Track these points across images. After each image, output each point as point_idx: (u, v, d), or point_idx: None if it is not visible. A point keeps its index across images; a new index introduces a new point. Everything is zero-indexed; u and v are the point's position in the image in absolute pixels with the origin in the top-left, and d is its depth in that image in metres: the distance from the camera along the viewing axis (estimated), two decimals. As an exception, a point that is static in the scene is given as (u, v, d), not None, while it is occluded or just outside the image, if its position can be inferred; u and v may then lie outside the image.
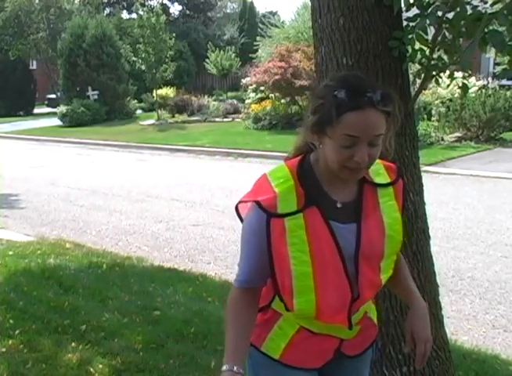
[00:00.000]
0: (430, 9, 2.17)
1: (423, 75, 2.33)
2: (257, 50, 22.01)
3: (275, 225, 1.48)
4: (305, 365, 1.63)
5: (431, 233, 2.56)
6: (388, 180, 1.60)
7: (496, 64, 16.59)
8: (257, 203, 1.48)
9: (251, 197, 1.53)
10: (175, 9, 49.91)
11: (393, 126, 1.47)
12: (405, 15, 2.30)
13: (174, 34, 21.30)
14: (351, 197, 1.55)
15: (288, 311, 1.57)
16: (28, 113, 28.03)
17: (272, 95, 17.13)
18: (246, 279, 1.57)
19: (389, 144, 1.50)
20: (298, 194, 1.49)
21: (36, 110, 29.05)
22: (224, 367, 1.47)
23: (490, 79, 15.74)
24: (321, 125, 1.44)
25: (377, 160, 1.54)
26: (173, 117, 20.82)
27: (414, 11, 2.22)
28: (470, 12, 2.12)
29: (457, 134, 12.90)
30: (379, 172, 1.60)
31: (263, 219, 1.48)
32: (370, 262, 1.55)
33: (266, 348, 1.64)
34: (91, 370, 3.22)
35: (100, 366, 3.27)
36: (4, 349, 3.50)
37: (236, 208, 1.63)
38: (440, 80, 2.41)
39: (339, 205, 1.53)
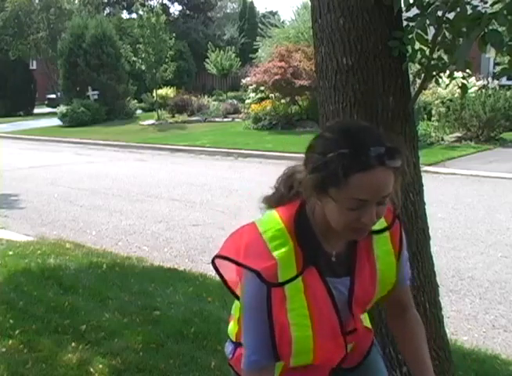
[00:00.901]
0: (430, 9, 2.17)
1: (423, 75, 2.33)
2: (257, 50, 22.00)
3: (276, 295, 1.39)
4: None
5: (431, 233, 2.56)
6: (384, 225, 1.49)
7: (496, 64, 16.59)
8: (258, 274, 1.36)
9: (244, 259, 1.40)
10: (175, 9, 49.93)
11: (401, 179, 1.35)
12: (405, 15, 2.30)
13: (174, 34, 21.30)
14: (346, 248, 1.47)
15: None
16: (28, 113, 28.04)
17: (272, 95, 17.13)
18: (258, 358, 1.43)
19: (396, 197, 1.37)
20: (297, 257, 1.39)
21: (36, 110, 29.05)
22: None
23: (490, 79, 15.73)
24: (324, 186, 1.30)
25: None
26: (173, 117, 20.82)
27: (414, 11, 2.22)
28: (470, 12, 2.12)
29: (457, 134, 12.90)
30: None
31: (263, 290, 1.38)
32: (362, 307, 1.52)
33: None
34: (91, 370, 3.22)
35: (100, 366, 3.27)
36: (4, 349, 3.50)
37: (213, 261, 1.54)
38: (440, 80, 2.41)
39: (333, 259, 1.45)
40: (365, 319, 1.67)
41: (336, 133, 1.34)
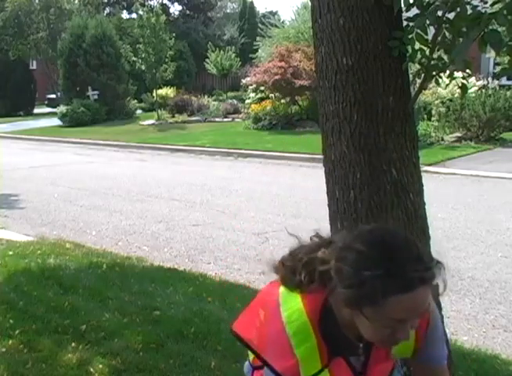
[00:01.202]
0: (430, 9, 2.17)
1: (422, 75, 2.33)
2: (257, 50, 22.02)
3: None
4: None
5: (431, 233, 2.55)
6: None
7: (496, 64, 16.59)
8: (277, 373, 1.32)
9: (264, 352, 1.35)
10: (175, 9, 49.89)
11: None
12: (405, 15, 2.30)
13: (174, 34, 21.32)
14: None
15: None
16: (28, 113, 28.04)
17: (272, 95, 17.13)
18: None
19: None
20: (321, 352, 1.32)
21: (36, 110, 29.06)
22: None
23: (490, 79, 15.74)
24: (358, 304, 1.22)
25: None
26: (173, 117, 20.82)
27: (414, 11, 2.21)
28: (470, 12, 2.11)
29: (457, 134, 12.90)
30: None
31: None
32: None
33: None
34: (91, 370, 3.22)
35: (100, 366, 3.27)
36: (4, 349, 3.50)
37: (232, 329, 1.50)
38: (440, 80, 2.41)
39: (360, 351, 1.39)
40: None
41: (369, 247, 1.24)
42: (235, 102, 21.26)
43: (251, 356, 1.57)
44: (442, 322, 2.63)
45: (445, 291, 1.30)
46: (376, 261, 1.20)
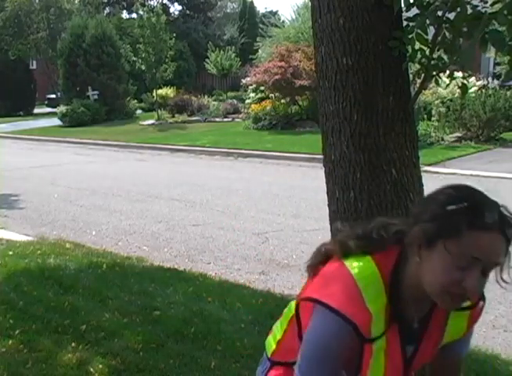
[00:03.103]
0: (430, 9, 2.17)
1: (423, 75, 2.33)
2: (257, 50, 22.03)
3: (367, 351, 1.31)
4: None
5: (431, 233, 2.55)
6: (469, 303, 1.40)
7: (496, 64, 16.59)
8: (354, 326, 1.27)
9: (335, 303, 1.28)
10: (175, 8, 49.97)
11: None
12: (405, 15, 2.30)
13: (174, 34, 21.31)
14: (420, 315, 1.39)
15: None
16: (28, 113, 28.07)
17: (272, 95, 17.13)
18: None
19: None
20: (387, 314, 1.31)
21: (36, 110, 29.08)
22: None
23: (490, 79, 15.75)
24: (437, 237, 1.24)
25: None
26: (173, 117, 20.83)
27: (414, 11, 2.21)
28: (470, 11, 2.11)
29: (457, 134, 12.90)
30: None
31: (355, 343, 1.29)
32: (414, 369, 1.47)
33: None
34: (91, 370, 3.22)
35: (100, 366, 3.27)
36: (4, 349, 3.50)
37: (298, 304, 1.42)
38: (440, 80, 2.41)
39: (416, 325, 1.38)
40: None
41: (457, 190, 1.30)
42: (235, 102, 21.26)
43: (271, 349, 1.55)
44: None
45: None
46: (463, 198, 1.25)
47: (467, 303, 1.38)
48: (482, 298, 1.45)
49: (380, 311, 1.29)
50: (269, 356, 1.55)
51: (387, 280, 1.31)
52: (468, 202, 1.25)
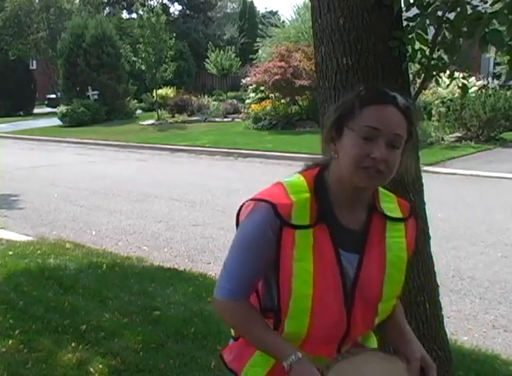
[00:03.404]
0: (430, 9, 2.17)
1: (423, 75, 2.33)
2: (257, 50, 22.02)
3: (287, 236, 1.39)
4: None
5: (431, 233, 2.55)
6: (399, 215, 1.51)
7: (496, 64, 16.59)
8: (273, 206, 1.39)
9: (261, 195, 1.44)
10: (175, 8, 50.00)
11: (412, 144, 1.43)
12: (405, 15, 2.30)
13: (174, 34, 21.31)
14: (358, 225, 1.47)
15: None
16: (28, 113, 28.05)
17: (272, 95, 17.13)
18: (238, 289, 1.45)
19: (409, 163, 1.46)
20: (312, 209, 1.41)
21: (36, 110, 29.06)
22: (292, 357, 1.36)
23: (490, 79, 15.74)
24: (341, 122, 1.41)
25: (391, 194, 1.53)
26: (173, 117, 20.82)
27: (414, 11, 2.21)
28: (470, 11, 2.11)
29: (457, 134, 12.91)
30: (390, 205, 1.52)
31: (275, 225, 1.38)
32: (366, 301, 1.46)
33: (245, 375, 1.52)
34: (91, 370, 3.22)
35: (100, 366, 3.27)
36: (4, 349, 3.50)
37: (240, 208, 1.52)
38: (440, 80, 2.40)
39: (347, 226, 1.45)
40: (367, 339, 1.62)
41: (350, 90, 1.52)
42: (235, 102, 21.26)
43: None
44: (442, 322, 2.64)
45: (416, 144, 1.50)
46: (359, 89, 1.44)
47: (398, 214, 1.50)
48: (413, 212, 1.55)
49: (302, 202, 1.41)
50: (232, 334, 1.64)
51: (311, 182, 1.46)
52: (362, 89, 1.44)
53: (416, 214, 1.57)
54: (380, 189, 1.53)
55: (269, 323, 1.46)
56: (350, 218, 1.46)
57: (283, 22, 23.12)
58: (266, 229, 1.39)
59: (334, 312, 1.43)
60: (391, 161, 1.37)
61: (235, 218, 1.54)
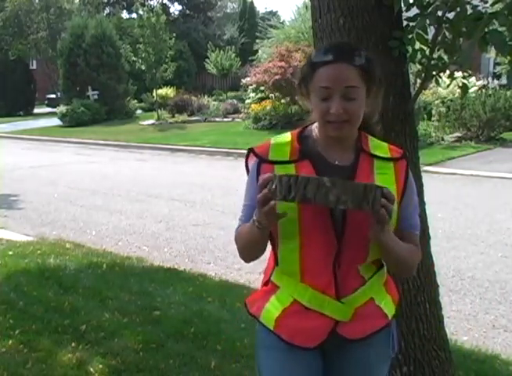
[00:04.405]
0: (430, 9, 2.17)
1: (423, 75, 2.33)
2: (257, 50, 22.01)
3: (266, 170, 1.57)
4: (298, 341, 1.63)
5: (431, 233, 2.56)
6: (388, 155, 1.62)
7: (496, 64, 16.59)
8: (251, 149, 1.64)
9: (254, 147, 1.67)
10: (175, 8, 49.97)
11: (376, 88, 1.59)
12: (405, 15, 2.30)
13: (174, 34, 21.31)
14: (346, 162, 1.60)
15: (277, 266, 1.66)
16: (28, 113, 28.05)
17: (272, 95, 17.12)
18: (245, 220, 1.68)
19: (376, 105, 1.64)
20: (293, 148, 1.60)
21: (36, 110, 29.06)
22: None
23: (490, 79, 15.73)
24: (302, 83, 1.60)
25: (383, 143, 1.64)
26: (173, 117, 20.82)
27: (414, 11, 2.21)
28: (470, 11, 2.11)
29: (457, 134, 12.90)
30: (380, 148, 1.63)
31: (255, 164, 1.62)
32: (357, 232, 1.55)
33: (263, 317, 1.69)
34: (91, 370, 3.22)
35: (100, 366, 3.27)
36: (4, 349, 3.50)
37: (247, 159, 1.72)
38: (440, 80, 2.40)
39: (334, 162, 1.59)
40: (384, 303, 1.67)
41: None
42: (235, 102, 21.25)
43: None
44: (442, 322, 2.64)
45: (381, 86, 1.65)
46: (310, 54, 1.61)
47: (386, 154, 1.62)
48: (404, 156, 1.65)
49: (281, 143, 1.63)
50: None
51: (296, 132, 1.66)
52: (313, 51, 1.63)
53: (408, 158, 1.66)
54: (371, 137, 1.66)
55: (272, 260, 1.70)
56: (336, 156, 1.60)
57: (283, 22, 23.11)
58: (253, 171, 1.64)
59: (322, 235, 1.55)
60: (351, 111, 1.52)
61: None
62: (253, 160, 1.65)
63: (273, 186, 1.42)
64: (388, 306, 1.69)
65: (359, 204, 1.41)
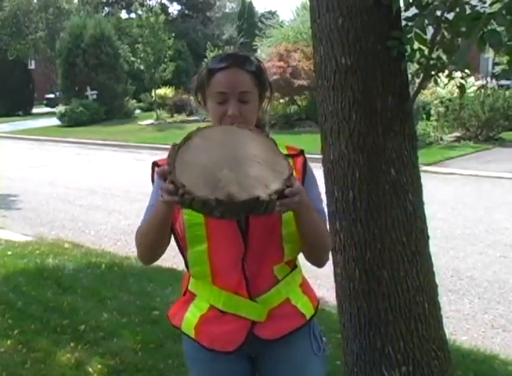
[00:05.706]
0: (428, 9, 2.17)
1: (421, 75, 2.33)
2: (256, 50, 22.01)
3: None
4: (217, 346, 1.66)
5: (430, 233, 2.55)
6: (286, 152, 1.64)
7: (495, 64, 16.61)
8: (155, 163, 1.68)
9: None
10: (174, 8, 50.01)
11: (267, 93, 1.69)
12: (404, 14, 2.30)
13: (173, 34, 21.31)
14: None
15: (189, 271, 1.69)
16: (27, 113, 28.06)
17: (271, 94, 17.12)
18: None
19: (263, 113, 1.78)
20: None
21: (35, 110, 29.06)
22: None
23: (489, 79, 15.74)
24: (199, 91, 1.68)
25: (281, 143, 1.65)
26: (172, 116, 20.82)
27: (413, 11, 2.21)
28: (468, 11, 2.11)
29: (456, 134, 12.91)
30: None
31: (151, 170, 1.68)
32: (262, 230, 1.58)
33: (184, 327, 1.72)
34: (90, 370, 3.22)
35: (99, 366, 3.27)
36: (2, 349, 3.50)
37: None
38: (439, 80, 2.40)
39: None
40: (301, 302, 1.70)
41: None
42: (234, 101, 21.25)
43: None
44: (441, 322, 2.64)
45: (269, 95, 1.74)
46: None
47: (286, 152, 1.64)
48: (302, 154, 1.71)
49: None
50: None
51: None
52: (211, 60, 1.68)
53: (304, 155, 1.72)
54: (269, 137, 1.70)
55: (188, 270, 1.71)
56: None
57: (282, 22, 23.11)
58: (156, 180, 1.62)
59: (228, 233, 1.58)
60: (245, 113, 1.60)
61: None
62: (152, 172, 1.70)
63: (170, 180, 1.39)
64: (306, 306, 1.72)
65: (247, 214, 1.41)
